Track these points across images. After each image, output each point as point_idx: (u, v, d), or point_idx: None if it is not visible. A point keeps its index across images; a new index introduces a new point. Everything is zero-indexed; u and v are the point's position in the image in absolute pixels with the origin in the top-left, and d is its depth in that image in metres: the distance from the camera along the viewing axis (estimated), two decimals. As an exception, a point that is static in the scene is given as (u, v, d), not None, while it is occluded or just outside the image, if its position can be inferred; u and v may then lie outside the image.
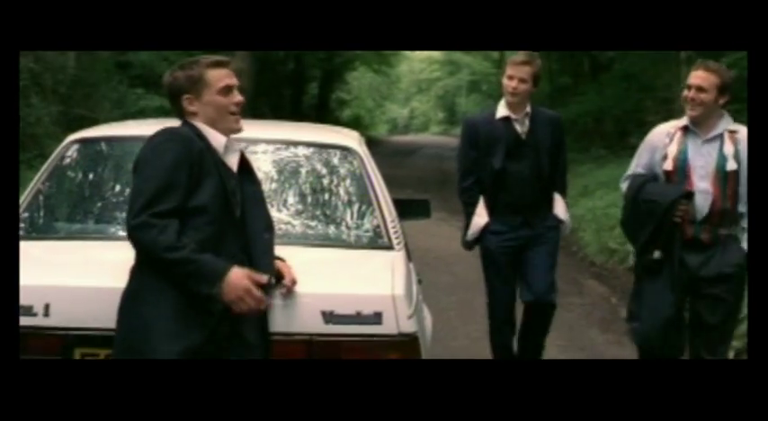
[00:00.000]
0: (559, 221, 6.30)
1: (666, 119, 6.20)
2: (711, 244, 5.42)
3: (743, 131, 5.44)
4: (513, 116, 6.14)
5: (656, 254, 5.46)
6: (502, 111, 6.18)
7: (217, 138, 3.90)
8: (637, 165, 5.74)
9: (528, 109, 6.16)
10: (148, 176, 3.66)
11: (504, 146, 6.11)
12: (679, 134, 5.55)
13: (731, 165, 5.39)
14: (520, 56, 6.06)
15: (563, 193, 6.40)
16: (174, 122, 4.03)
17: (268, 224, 4.02)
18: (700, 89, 5.38)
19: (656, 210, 5.43)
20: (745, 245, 5.35)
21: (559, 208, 6.32)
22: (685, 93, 5.45)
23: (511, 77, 6.04)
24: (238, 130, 3.98)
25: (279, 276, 3.94)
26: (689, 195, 5.40)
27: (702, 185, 5.41)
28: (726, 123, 5.49)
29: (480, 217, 6.21)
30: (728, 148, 5.42)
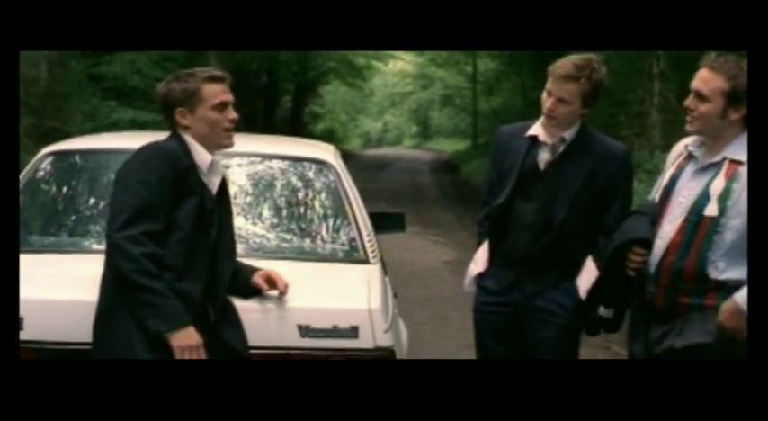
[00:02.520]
0: (579, 298, 4.42)
1: (640, 135, 5.38)
2: (668, 313, 3.98)
3: None
4: (542, 138, 4.49)
5: (601, 310, 4.25)
6: (534, 127, 4.54)
7: (203, 157, 3.89)
8: (656, 187, 4.26)
9: (568, 134, 4.45)
10: (135, 192, 3.66)
11: (517, 175, 4.50)
12: (684, 155, 4.11)
13: (711, 210, 3.86)
14: (564, 67, 4.34)
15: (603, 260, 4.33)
16: (148, 136, 4.02)
17: (232, 250, 4.05)
18: (699, 96, 3.92)
19: (606, 253, 4.20)
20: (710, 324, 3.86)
21: (585, 278, 4.40)
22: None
23: (549, 93, 4.38)
24: (230, 146, 3.98)
25: (271, 282, 4.00)
26: (642, 242, 4.03)
27: (667, 229, 3.99)
28: (739, 148, 3.91)
29: (475, 263, 4.68)
30: (718, 184, 3.88)
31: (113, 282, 3.67)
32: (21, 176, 4.98)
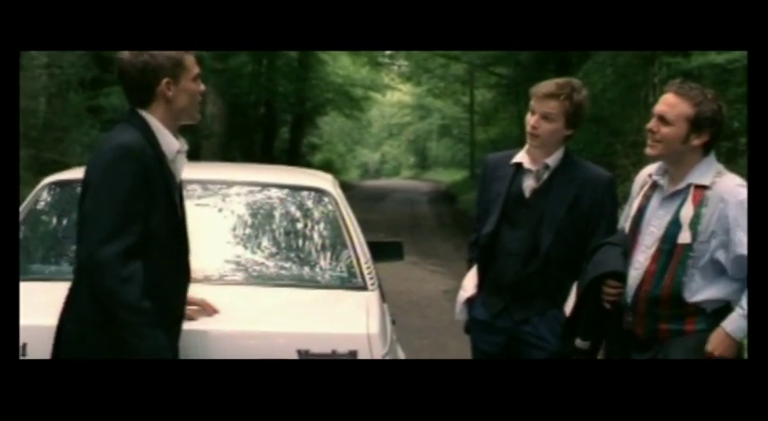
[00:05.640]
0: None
1: (636, 164, 5.29)
2: (649, 340, 4.04)
3: (720, 187, 3.90)
4: (526, 165, 4.52)
5: (578, 342, 4.27)
6: (519, 155, 4.58)
7: (170, 145, 3.68)
8: (625, 217, 4.34)
9: (552, 160, 4.49)
10: (106, 203, 3.47)
11: (502, 203, 4.53)
12: (649, 184, 4.16)
13: (684, 237, 3.91)
14: (546, 86, 4.47)
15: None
16: None
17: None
18: (662, 119, 3.95)
19: (581, 285, 4.23)
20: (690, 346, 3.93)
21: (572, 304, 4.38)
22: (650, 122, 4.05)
23: (532, 112, 4.47)
24: (197, 120, 3.81)
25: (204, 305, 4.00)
26: (617, 275, 4.07)
27: (641, 259, 4.04)
28: (702, 172, 3.96)
29: (464, 290, 4.69)
30: (687, 211, 3.93)
31: (91, 304, 3.55)
32: (22, 207, 5.01)
